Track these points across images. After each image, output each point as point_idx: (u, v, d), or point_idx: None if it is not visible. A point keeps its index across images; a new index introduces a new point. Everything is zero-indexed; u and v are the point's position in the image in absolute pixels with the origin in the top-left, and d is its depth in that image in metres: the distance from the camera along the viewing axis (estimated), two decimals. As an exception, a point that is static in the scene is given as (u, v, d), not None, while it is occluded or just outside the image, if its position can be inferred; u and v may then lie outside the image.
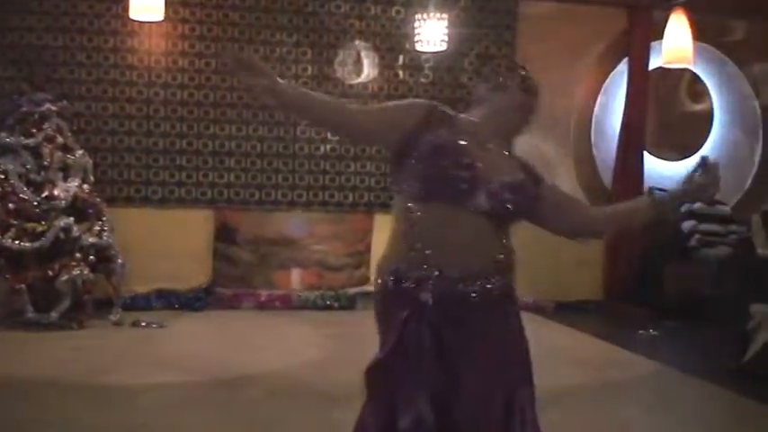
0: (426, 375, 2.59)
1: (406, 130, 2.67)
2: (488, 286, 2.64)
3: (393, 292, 2.66)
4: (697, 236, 8.37)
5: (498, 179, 2.66)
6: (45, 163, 6.94)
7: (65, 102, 7.31)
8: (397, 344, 2.61)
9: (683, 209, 8.55)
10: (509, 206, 2.67)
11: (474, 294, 2.62)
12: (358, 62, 8.29)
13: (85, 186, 7.15)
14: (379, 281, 2.73)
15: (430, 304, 2.59)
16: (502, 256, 2.69)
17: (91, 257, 6.91)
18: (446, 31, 7.83)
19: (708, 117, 9.34)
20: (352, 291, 8.24)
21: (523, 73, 2.84)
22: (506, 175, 2.69)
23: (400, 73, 8.39)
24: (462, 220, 2.63)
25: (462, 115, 2.83)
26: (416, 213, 2.64)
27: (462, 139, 2.68)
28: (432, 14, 7.80)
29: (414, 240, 2.63)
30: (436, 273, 2.60)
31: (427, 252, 2.61)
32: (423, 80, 8.42)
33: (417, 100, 2.87)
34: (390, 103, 2.97)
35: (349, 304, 8.18)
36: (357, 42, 8.28)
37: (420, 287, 2.60)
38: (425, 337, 2.59)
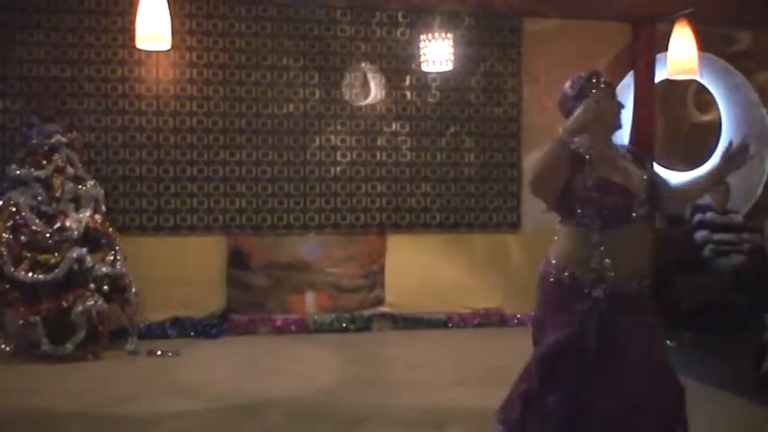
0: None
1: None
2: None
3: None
4: (710, 246, 8.34)
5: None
6: (56, 194, 6.95)
7: (74, 132, 7.34)
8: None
9: (695, 219, 8.56)
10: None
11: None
12: (365, 84, 8.33)
13: (97, 216, 7.16)
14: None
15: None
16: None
17: (105, 287, 6.92)
18: (452, 50, 7.87)
19: (716, 127, 9.35)
20: (368, 312, 8.24)
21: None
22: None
23: (408, 94, 8.41)
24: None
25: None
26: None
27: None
28: (437, 35, 7.85)
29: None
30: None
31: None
32: (430, 100, 8.44)
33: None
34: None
35: (365, 326, 8.18)
36: (363, 64, 8.32)
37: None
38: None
